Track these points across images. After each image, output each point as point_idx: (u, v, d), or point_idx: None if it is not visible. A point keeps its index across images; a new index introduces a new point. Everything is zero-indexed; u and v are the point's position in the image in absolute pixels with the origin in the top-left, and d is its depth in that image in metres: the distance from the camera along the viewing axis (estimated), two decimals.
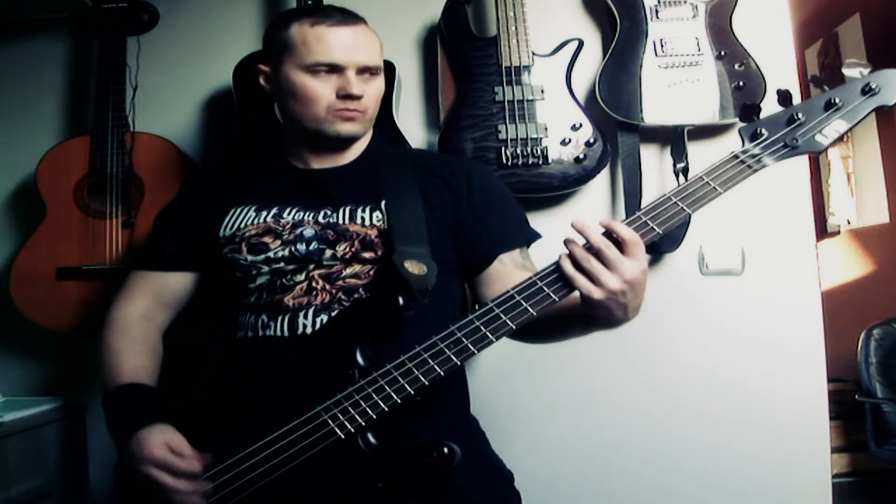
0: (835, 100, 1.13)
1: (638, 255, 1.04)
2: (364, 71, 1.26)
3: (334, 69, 1.24)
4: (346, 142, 1.31)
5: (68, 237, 1.69)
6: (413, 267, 1.16)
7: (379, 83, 1.30)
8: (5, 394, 1.75)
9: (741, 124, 1.16)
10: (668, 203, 1.08)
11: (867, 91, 1.13)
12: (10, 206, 1.89)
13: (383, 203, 1.25)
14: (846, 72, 1.16)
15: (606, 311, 1.06)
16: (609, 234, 1.05)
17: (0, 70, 1.92)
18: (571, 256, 1.04)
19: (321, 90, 1.24)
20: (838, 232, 3.88)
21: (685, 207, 1.08)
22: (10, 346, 1.86)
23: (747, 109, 1.16)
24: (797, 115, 1.13)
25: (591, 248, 1.04)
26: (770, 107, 1.16)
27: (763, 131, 1.13)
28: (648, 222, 1.07)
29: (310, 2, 1.68)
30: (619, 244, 1.04)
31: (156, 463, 1.08)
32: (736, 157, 1.12)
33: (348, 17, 1.27)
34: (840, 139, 1.15)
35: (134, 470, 1.10)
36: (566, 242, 1.05)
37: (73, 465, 1.68)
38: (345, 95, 1.24)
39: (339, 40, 1.24)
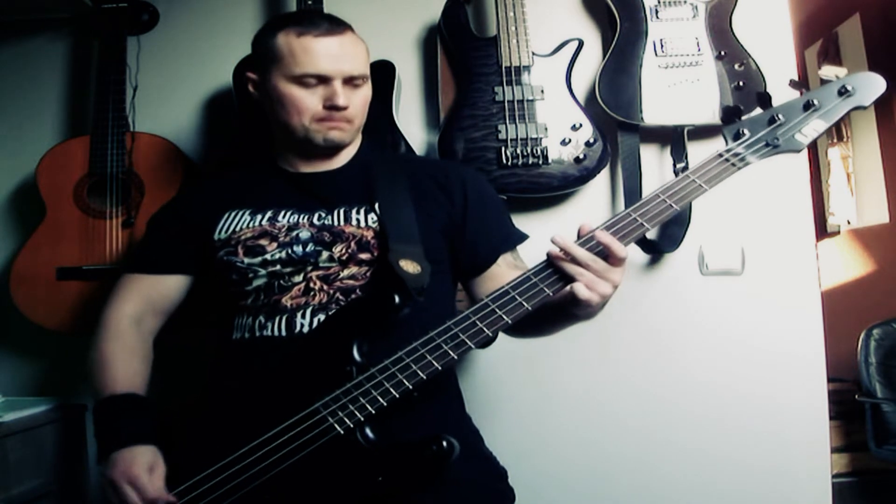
0: (813, 101, 1.19)
1: (623, 265, 1.10)
2: (350, 80, 1.27)
3: (321, 80, 1.25)
4: (334, 149, 1.32)
5: (68, 237, 1.69)
6: (408, 266, 1.18)
7: (365, 91, 1.31)
8: (5, 394, 1.75)
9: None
10: (656, 200, 1.14)
11: (843, 92, 1.19)
12: (10, 206, 1.89)
13: (377, 205, 1.27)
14: (823, 75, 1.22)
15: (593, 309, 1.12)
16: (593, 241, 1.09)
17: (0, 70, 1.92)
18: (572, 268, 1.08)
19: (308, 101, 1.26)
20: (838, 232, 3.87)
21: (672, 204, 1.13)
22: (10, 346, 1.86)
23: (729, 111, 1.22)
24: (777, 116, 1.19)
25: (579, 263, 1.08)
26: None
27: (745, 131, 1.19)
28: (638, 218, 1.12)
29: (310, 2, 1.68)
30: (605, 254, 1.09)
31: (130, 481, 1.10)
32: (720, 155, 1.17)
33: (335, 27, 1.28)
34: (818, 138, 1.21)
35: (108, 477, 1.12)
36: (556, 258, 1.09)
37: (73, 464, 1.68)
38: (331, 106, 1.26)
39: (326, 51, 1.25)
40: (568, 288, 1.09)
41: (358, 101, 1.29)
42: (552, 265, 1.10)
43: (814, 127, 1.18)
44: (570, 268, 1.08)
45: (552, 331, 1.27)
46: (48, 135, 1.88)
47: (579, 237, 1.11)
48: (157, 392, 1.27)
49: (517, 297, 1.09)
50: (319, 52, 1.24)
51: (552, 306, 1.14)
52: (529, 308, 1.08)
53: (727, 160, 1.16)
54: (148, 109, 1.82)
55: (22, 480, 1.51)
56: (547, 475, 1.75)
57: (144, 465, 1.11)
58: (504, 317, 1.08)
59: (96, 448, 1.17)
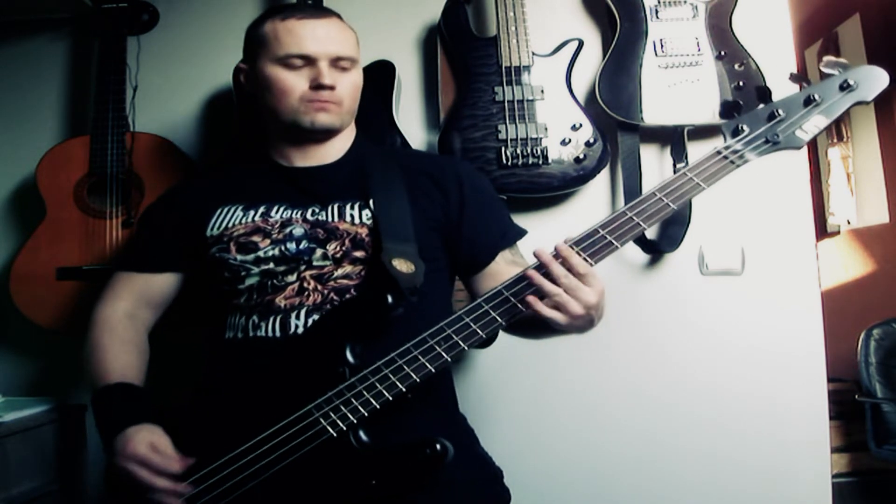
0: (814, 96, 1.16)
1: (593, 284, 1.07)
2: (337, 62, 1.26)
3: (307, 60, 1.25)
4: (324, 134, 1.31)
5: (68, 237, 1.69)
6: (401, 265, 1.17)
7: (354, 76, 1.30)
8: (5, 394, 1.75)
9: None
10: (652, 199, 1.11)
11: (845, 87, 1.16)
12: (10, 206, 1.89)
13: (371, 201, 1.25)
14: (824, 69, 1.19)
15: (572, 328, 1.09)
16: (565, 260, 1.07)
17: (0, 70, 1.92)
18: (538, 289, 1.06)
19: (294, 81, 1.26)
20: (838, 232, 3.87)
21: (670, 203, 1.11)
22: (9, 346, 1.86)
23: (728, 107, 1.20)
24: (777, 112, 1.16)
25: (552, 278, 1.06)
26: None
27: (744, 127, 1.16)
28: (634, 218, 1.10)
29: (309, 1, 1.68)
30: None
31: (136, 459, 1.08)
32: (718, 153, 1.15)
33: (320, 11, 1.30)
34: (819, 134, 1.18)
35: (114, 465, 1.11)
36: (529, 276, 1.07)
37: (73, 464, 1.68)
38: (317, 86, 1.25)
39: (310, 32, 1.25)
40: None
41: (346, 84, 1.28)
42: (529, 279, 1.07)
43: (815, 123, 1.15)
44: (544, 284, 1.05)
45: (546, 336, 1.24)
46: (48, 135, 1.87)
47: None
48: (151, 391, 1.26)
49: (511, 297, 1.07)
50: (303, 34, 1.25)
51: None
52: (523, 309, 1.07)
53: (725, 157, 1.14)
54: (148, 109, 1.82)
55: (22, 480, 1.51)
56: (544, 476, 1.74)
57: (146, 442, 1.10)
58: (498, 318, 1.07)
59: (100, 441, 1.17)
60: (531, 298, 1.06)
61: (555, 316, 1.06)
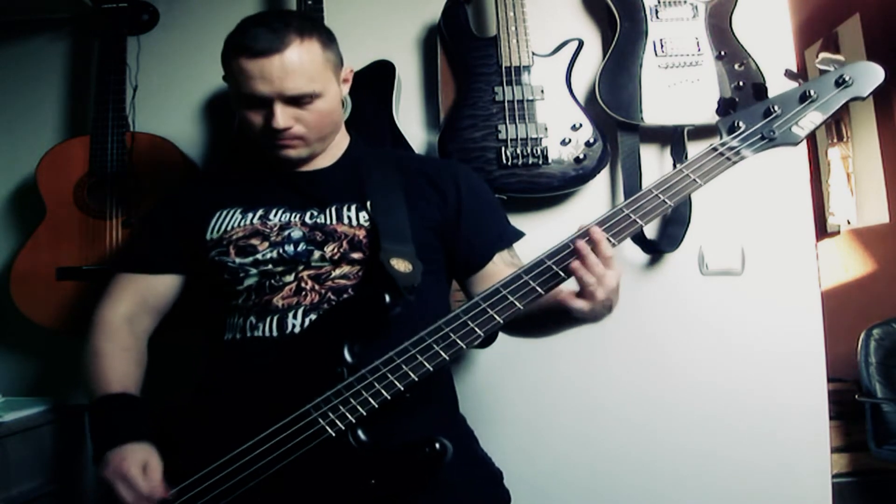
0: (810, 92, 1.16)
1: (615, 266, 1.07)
2: (294, 100, 1.21)
3: (261, 101, 1.21)
4: (299, 162, 1.30)
5: (68, 237, 1.69)
6: (399, 264, 1.17)
7: (319, 105, 1.23)
8: (5, 394, 1.75)
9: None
10: (649, 196, 1.11)
11: (841, 83, 1.16)
12: (10, 206, 1.89)
13: (368, 203, 1.25)
14: (820, 65, 1.19)
15: (593, 314, 1.09)
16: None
17: (0, 70, 1.92)
18: (584, 261, 1.05)
19: (254, 119, 1.23)
20: (838, 232, 3.87)
21: (666, 199, 1.10)
22: (9, 346, 1.86)
23: (724, 103, 1.19)
24: (773, 108, 1.16)
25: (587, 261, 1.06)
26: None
27: (740, 124, 1.16)
28: (631, 215, 1.09)
29: (310, 2, 1.68)
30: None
31: (124, 479, 1.08)
32: (714, 149, 1.14)
33: (274, 43, 1.17)
34: (815, 130, 1.18)
35: (102, 476, 1.11)
36: (578, 248, 1.06)
37: (72, 465, 1.68)
38: (270, 128, 1.22)
39: (260, 72, 1.18)
40: (564, 291, 1.07)
41: (307, 118, 1.23)
42: (543, 264, 1.07)
43: (811, 119, 1.15)
44: (589, 257, 1.05)
45: (554, 331, 1.24)
46: (48, 135, 1.87)
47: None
48: (149, 392, 1.26)
49: (508, 296, 1.07)
50: (253, 74, 1.18)
51: (550, 307, 1.12)
52: (521, 307, 1.06)
53: (721, 154, 1.13)
54: (148, 109, 1.82)
55: (21, 480, 1.51)
56: (544, 477, 1.74)
57: (138, 462, 1.10)
58: (496, 316, 1.06)
59: (93, 445, 1.17)
60: (576, 265, 1.04)
61: (581, 305, 1.06)
